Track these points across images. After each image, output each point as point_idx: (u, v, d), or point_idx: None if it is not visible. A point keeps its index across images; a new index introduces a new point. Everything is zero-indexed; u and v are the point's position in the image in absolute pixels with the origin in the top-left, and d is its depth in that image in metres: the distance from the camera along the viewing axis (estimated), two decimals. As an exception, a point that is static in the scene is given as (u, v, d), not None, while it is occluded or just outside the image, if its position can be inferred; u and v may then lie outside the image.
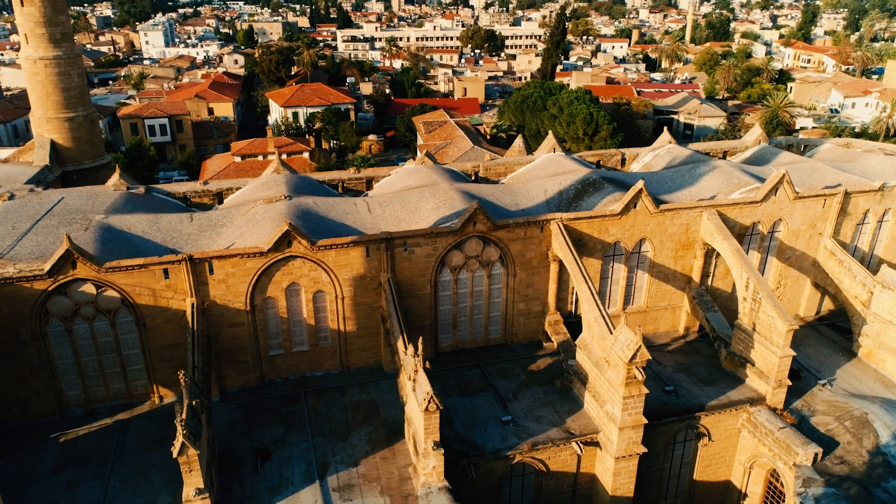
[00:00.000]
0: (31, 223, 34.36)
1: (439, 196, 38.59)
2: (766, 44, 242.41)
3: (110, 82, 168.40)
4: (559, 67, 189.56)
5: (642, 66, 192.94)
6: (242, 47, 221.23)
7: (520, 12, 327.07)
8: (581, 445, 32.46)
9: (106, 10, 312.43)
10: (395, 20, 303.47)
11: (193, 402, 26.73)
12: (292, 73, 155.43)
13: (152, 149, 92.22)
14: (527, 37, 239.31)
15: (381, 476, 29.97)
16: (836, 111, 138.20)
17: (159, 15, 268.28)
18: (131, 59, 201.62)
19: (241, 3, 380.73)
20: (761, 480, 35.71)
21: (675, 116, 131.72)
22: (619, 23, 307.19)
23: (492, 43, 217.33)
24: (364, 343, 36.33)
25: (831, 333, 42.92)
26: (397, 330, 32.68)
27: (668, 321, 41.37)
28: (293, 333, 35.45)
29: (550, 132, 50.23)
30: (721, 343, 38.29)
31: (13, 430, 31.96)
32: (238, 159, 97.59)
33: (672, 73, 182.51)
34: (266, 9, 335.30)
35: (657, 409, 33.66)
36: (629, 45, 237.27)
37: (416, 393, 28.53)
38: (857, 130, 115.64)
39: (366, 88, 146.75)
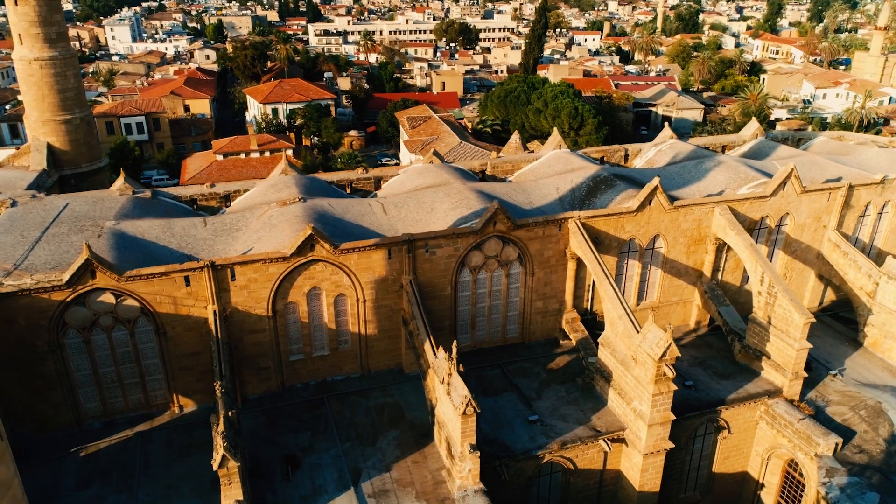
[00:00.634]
0: (39, 231, 33.29)
1: (454, 196, 38.37)
2: (735, 35, 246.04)
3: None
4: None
5: (616, 59, 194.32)
6: (212, 42, 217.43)
7: (490, 5, 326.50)
8: (608, 443, 32.67)
9: (67, 4, 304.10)
10: (366, 13, 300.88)
11: (230, 413, 26.25)
12: (267, 68, 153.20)
13: (137, 148, 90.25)
14: (500, 30, 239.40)
15: (415, 480, 29.81)
16: (809, 102, 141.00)
17: (125, 9, 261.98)
18: (98, 54, 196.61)
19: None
20: (779, 471, 36.38)
21: (654, 109, 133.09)
22: (589, 15, 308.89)
23: (466, 36, 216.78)
24: (385, 346, 36.04)
25: (835, 324, 43.81)
26: (423, 332, 32.46)
27: (679, 316, 41.81)
28: (314, 338, 35.02)
29: (556, 129, 50.31)
30: (735, 337, 38.83)
31: (30, 444, 31.02)
32: (220, 157, 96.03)
33: (647, 66, 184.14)
34: (234, 2, 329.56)
35: (680, 404, 33.91)
36: (601, 37, 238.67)
37: (452, 396, 28.39)
38: (829, 121, 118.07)
39: (343, 83, 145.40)
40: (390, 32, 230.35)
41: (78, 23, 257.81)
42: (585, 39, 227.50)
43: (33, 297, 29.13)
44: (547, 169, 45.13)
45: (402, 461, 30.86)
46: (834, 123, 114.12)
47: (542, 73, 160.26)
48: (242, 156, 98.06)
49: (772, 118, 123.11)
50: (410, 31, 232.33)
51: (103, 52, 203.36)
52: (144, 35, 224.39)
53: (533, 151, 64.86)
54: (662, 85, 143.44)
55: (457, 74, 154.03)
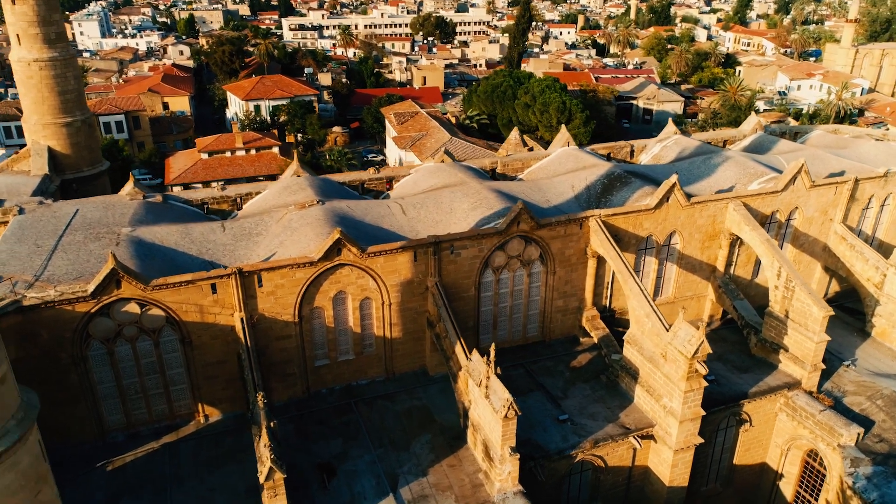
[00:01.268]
0: (53, 240, 32.37)
1: (472, 196, 38.19)
2: (706, 28, 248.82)
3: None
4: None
5: (593, 52, 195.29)
6: (184, 37, 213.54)
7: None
8: (639, 440, 32.90)
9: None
10: (338, 7, 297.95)
11: (272, 424, 25.82)
12: (245, 63, 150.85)
13: (126, 148, 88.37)
14: (475, 23, 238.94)
15: (453, 484, 29.68)
16: (784, 93, 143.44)
17: (93, 4, 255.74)
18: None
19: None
20: (798, 461, 37.01)
21: (635, 102, 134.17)
22: (562, 8, 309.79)
23: (442, 30, 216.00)
24: (409, 348, 35.79)
25: (842, 314, 44.56)
26: (453, 335, 32.31)
27: (693, 310, 42.21)
28: (338, 343, 34.63)
29: (563, 127, 50.29)
30: (751, 330, 39.33)
31: (55, 460, 30.11)
32: (205, 156, 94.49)
33: (623, 59, 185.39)
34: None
35: (705, 399, 34.10)
36: (576, 30, 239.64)
37: (491, 399, 28.29)
38: (805, 112, 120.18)
39: (324, 79, 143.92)
40: (365, 27, 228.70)
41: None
42: (561, 33, 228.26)
43: (57, 309, 28.29)
44: (557, 166, 45.17)
45: (437, 465, 30.70)
46: (810, 114, 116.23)
47: (522, 66, 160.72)
48: (228, 154, 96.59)
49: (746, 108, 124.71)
50: (386, 25, 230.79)
51: (73, 48, 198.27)
52: (113, 30, 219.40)
53: (532, 148, 64.99)
54: (642, 78, 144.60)
55: (437, 69, 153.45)
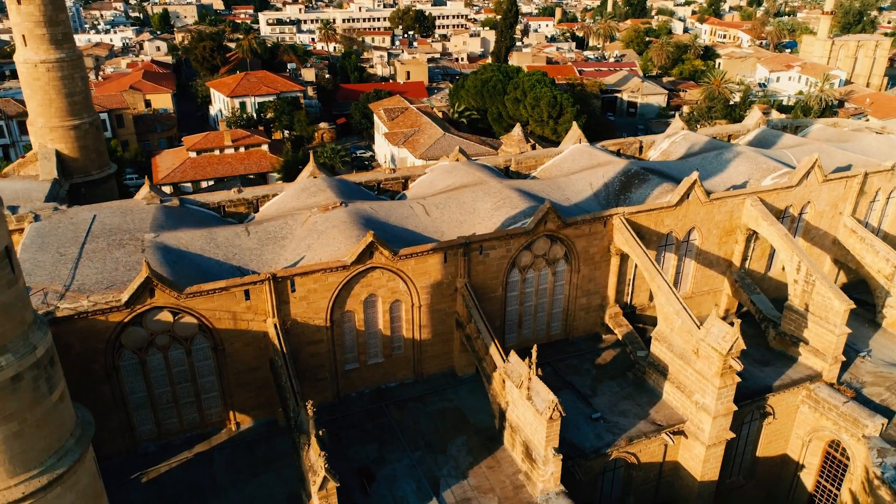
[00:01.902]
0: (76, 247, 31.61)
1: (494, 195, 38.09)
2: (682, 20, 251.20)
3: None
4: (493, 49, 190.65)
5: (573, 45, 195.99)
6: (159, 32, 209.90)
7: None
8: (671, 436, 33.21)
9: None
10: (314, 1, 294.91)
11: (320, 433, 25.55)
12: (226, 59, 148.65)
13: (119, 149, 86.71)
14: (454, 16, 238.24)
15: (495, 486, 29.68)
16: (764, 85, 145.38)
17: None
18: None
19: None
20: (819, 452, 37.69)
21: (619, 95, 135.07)
22: (538, 1, 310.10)
23: (422, 24, 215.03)
24: (438, 350, 35.67)
25: (851, 306, 45.40)
26: (487, 336, 32.26)
27: (709, 304, 42.61)
28: (368, 346, 34.38)
29: (575, 124, 50.40)
30: (769, 324, 39.86)
31: (87, 474, 29.54)
32: (193, 154, 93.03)
33: (604, 52, 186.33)
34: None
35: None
36: (554, 23, 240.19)
37: (535, 401, 28.31)
38: (798, 104, 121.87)
39: (308, 74, 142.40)
40: (343, 20, 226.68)
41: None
42: (539, 26, 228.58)
43: (90, 319, 27.62)
44: (571, 164, 45.26)
45: (476, 467, 30.67)
46: (792, 106, 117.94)
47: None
48: (216, 152, 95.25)
49: (732, 102, 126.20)
50: (364, 20, 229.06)
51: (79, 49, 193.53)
52: (85, 25, 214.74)
53: (535, 146, 65.00)
54: (625, 71, 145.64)
55: (421, 63, 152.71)
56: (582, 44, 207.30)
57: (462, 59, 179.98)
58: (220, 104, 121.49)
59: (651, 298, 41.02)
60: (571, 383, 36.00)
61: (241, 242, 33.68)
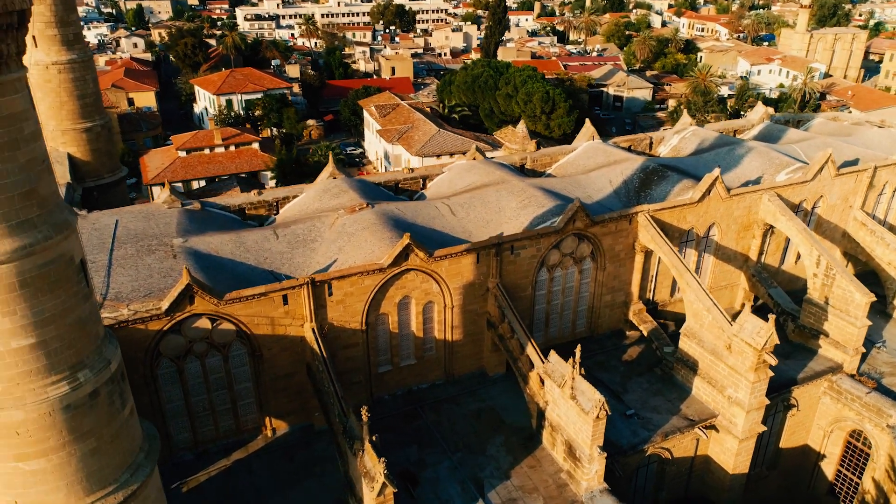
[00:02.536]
0: (104, 254, 30.91)
1: (518, 194, 38.09)
2: (659, 13, 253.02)
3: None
4: (476, 43, 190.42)
5: (554, 39, 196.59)
6: (134, 29, 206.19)
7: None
8: (704, 430, 33.61)
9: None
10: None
11: (374, 438, 25.40)
12: (207, 56, 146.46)
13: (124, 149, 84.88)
14: (434, 11, 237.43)
15: (538, 486, 29.79)
16: (746, 78, 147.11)
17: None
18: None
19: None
20: (840, 441, 38.43)
21: (605, 89, 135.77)
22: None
23: (402, 18, 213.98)
24: (468, 350, 35.65)
25: (861, 297, 46.28)
26: (523, 336, 32.35)
27: (726, 299, 43.19)
28: (401, 348, 34.25)
29: (588, 121, 50.47)
30: (787, 317, 40.46)
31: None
32: (183, 154, 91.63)
33: (587, 46, 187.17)
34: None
35: (759, 388, 35.24)
36: (533, 17, 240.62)
37: (579, 400, 28.45)
38: (769, 97, 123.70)
39: (292, 71, 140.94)
40: (322, 16, 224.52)
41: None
42: (520, 20, 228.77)
43: (130, 328, 27.11)
44: (586, 161, 45.42)
45: (517, 467, 30.75)
46: (780, 99, 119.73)
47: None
48: (206, 151, 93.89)
49: (717, 95, 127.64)
50: (343, 14, 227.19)
51: (90, 50, 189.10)
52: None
53: (540, 143, 65.08)
54: (609, 65, 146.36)
55: (406, 59, 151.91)
56: (562, 38, 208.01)
57: (445, 55, 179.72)
58: (205, 102, 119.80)
59: (672, 294, 41.53)
60: (601, 380, 36.20)
61: (271, 246, 33.27)
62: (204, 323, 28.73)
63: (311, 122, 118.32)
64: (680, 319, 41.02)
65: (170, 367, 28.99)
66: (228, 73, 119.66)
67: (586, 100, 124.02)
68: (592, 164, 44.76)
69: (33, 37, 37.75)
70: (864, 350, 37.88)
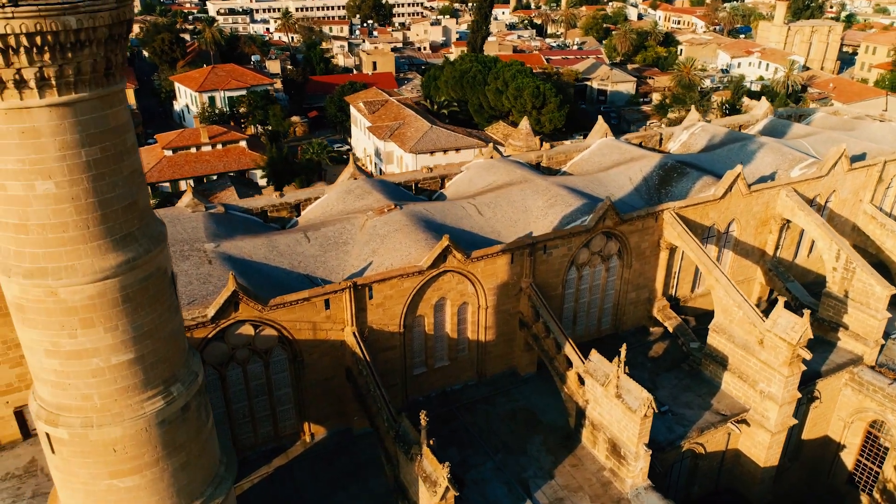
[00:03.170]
0: (136, 260, 30.21)
1: (543, 193, 38.11)
2: (634, 5, 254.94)
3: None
4: (455, 37, 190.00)
5: (533, 33, 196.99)
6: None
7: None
8: (736, 425, 34.09)
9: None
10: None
11: (431, 442, 25.27)
12: (184, 51, 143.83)
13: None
14: (410, 4, 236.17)
15: (583, 485, 29.95)
16: (726, 71, 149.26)
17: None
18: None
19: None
20: (860, 432, 39.29)
21: (589, 83, 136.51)
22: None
23: (379, 12, 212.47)
24: (500, 350, 35.64)
25: (869, 289, 47.29)
26: (560, 335, 32.43)
27: (744, 293, 43.66)
28: (436, 349, 34.12)
29: (601, 118, 50.67)
30: (805, 310, 41.10)
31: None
32: (169, 153, 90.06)
33: (565, 39, 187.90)
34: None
35: (786, 381, 35.83)
36: (510, 11, 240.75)
37: (625, 399, 28.64)
38: (755, 90, 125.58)
39: (272, 66, 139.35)
40: (297, 9, 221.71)
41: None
42: (497, 14, 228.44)
43: (174, 337, 26.52)
44: (601, 158, 45.60)
45: (560, 466, 30.87)
46: (763, 92, 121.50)
47: (463, 49, 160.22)
48: (193, 150, 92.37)
49: (703, 87, 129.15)
50: (319, 8, 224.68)
51: None
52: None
53: (543, 139, 65.18)
54: (592, 59, 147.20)
55: (387, 54, 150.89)
56: (540, 31, 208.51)
57: (425, 49, 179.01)
58: (186, 99, 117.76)
59: (692, 290, 42.00)
60: (631, 377, 36.36)
61: (303, 249, 32.85)
62: (247, 329, 28.28)
63: (295, 118, 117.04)
64: (700, 315, 41.70)
65: (212, 375, 28.43)
66: (210, 70, 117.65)
67: (572, 94, 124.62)
68: (608, 161, 44.96)
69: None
70: (884, 342, 38.68)
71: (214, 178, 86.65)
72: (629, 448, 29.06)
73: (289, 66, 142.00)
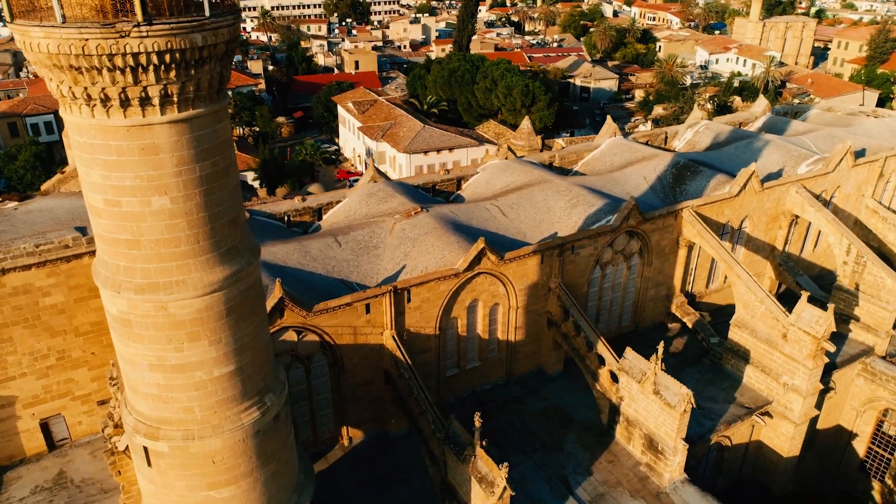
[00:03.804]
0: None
1: (564, 193, 38.62)
2: (609, 2, 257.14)
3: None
4: (435, 35, 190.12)
5: (513, 31, 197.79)
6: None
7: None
8: (761, 417, 35.00)
9: None
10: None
11: (483, 443, 25.62)
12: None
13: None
14: (386, 2, 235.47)
15: (621, 480, 30.55)
16: (705, 67, 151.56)
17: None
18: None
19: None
20: (872, 420, 40.53)
21: (572, 80, 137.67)
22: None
23: (357, 10, 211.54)
24: (529, 349, 36.11)
25: (870, 281, 48.72)
26: (592, 334, 32.98)
27: (753, 288, 44.79)
28: (467, 350, 34.45)
29: (609, 117, 51.34)
30: (816, 304, 42.26)
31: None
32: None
33: (544, 37, 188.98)
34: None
35: (804, 373, 36.85)
36: (486, 8, 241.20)
37: (663, 395, 29.28)
38: (735, 86, 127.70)
39: (254, 67, 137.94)
40: (273, 8, 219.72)
41: None
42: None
43: (221, 345, 26.49)
44: (612, 158, 46.27)
45: (597, 463, 31.44)
46: (745, 87, 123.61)
47: (446, 47, 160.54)
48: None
49: (687, 83, 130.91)
50: (296, 7, 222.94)
51: None
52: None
53: (545, 139, 65.70)
54: (574, 56, 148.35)
55: (369, 53, 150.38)
56: (519, 29, 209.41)
57: (405, 47, 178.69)
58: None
59: (707, 286, 42.88)
60: (657, 373, 37.16)
61: (336, 254, 32.93)
62: (290, 335, 28.34)
63: (281, 119, 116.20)
64: (714, 310, 42.63)
65: (255, 382, 28.44)
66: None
67: (557, 92, 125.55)
68: (619, 160, 45.65)
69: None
70: (895, 332, 39.94)
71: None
72: (667, 443, 29.72)
73: (271, 66, 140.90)
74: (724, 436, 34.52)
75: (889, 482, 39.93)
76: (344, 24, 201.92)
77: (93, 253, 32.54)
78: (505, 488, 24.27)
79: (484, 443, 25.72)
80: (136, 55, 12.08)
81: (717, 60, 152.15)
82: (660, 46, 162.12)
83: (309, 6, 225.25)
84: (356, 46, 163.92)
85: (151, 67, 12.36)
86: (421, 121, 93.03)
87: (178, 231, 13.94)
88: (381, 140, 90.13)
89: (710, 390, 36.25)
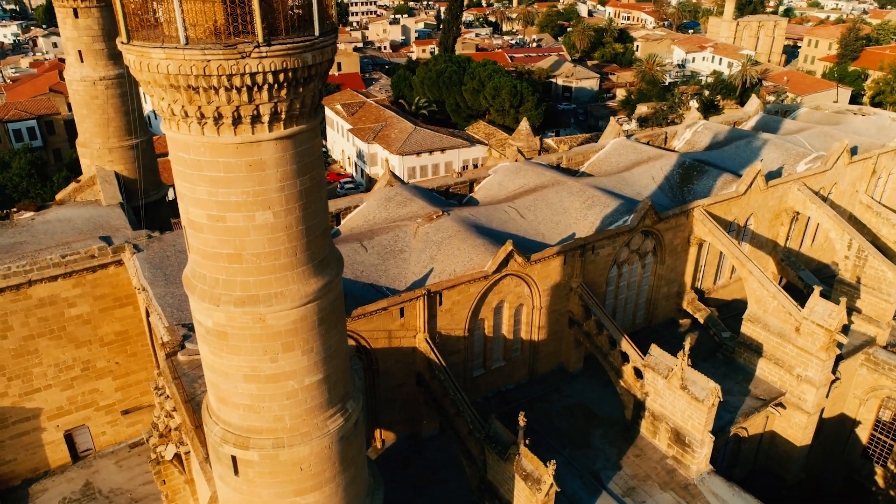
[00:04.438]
0: (202, 277, 30.22)
1: (579, 194, 39.43)
2: (583, 2, 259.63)
3: None
4: (415, 36, 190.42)
5: (491, 31, 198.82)
6: (45, 27, 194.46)
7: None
8: (776, 408, 36.16)
9: None
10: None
11: (527, 441, 26.26)
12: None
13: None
14: (363, 3, 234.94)
15: (650, 473, 31.42)
16: (683, 66, 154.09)
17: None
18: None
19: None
20: (875, 408, 42.03)
21: (554, 80, 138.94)
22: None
23: (336, 12, 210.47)
24: (551, 348, 36.84)
25: (865, 274, 50.38)
26: (615, 332, 33.82)
27: (757, 283, 46.08)
28: (493, 351, 35.07)
29: (612, 119, 52.29)
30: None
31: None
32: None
33: (524, 37, 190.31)
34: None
35: (813, 364, 38.10)
36: (465, 8, 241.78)
37: (691, 389, 30.20)
38: (712, 83, 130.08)
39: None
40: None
41: None
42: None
43: (263, 352, 26.76)
44: (618, 158, 47.21)
45: (625, 457, 32.27)
46: (723, 85, 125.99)
47: (427, 48, 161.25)
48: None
49: (667, 82, 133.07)
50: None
51: None
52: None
53: (543, 139, 66.58)
54: (554, 56, 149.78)
55: (351, 54, 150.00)
56: (497, 29, 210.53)
57: (385, 48, 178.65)
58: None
59: (715, 282, 44.03)
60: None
61: (363, 259, 33.31)
62: (327, 341, 28.63)
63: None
64: (721, 305, 43.79)
65: (293, 388, 28.73)
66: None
67: (541, 92, 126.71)
68: (625, 161, 46.61)
69: (79, 52, 35.90)
70: (894, 323, 41.47)
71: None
72: (694, 436, 30.66)
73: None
74: (741, 427, 35.62)
75: (892, 467, 41.45)
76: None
77: (118, 263, 32.62)
78: (552, 485, 24.94)
79: (528, 441, 26.34)
80: (253, 75, 12.46)
81: (693, 59, 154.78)
82: (637, 46, 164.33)
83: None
84: (337, 47, 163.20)
85: (266, 86, 12.74)
86: (411, 122, 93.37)
87: (279, 244, 14.31)
88: (373, 142, 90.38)
89: (726, 383, 37.18)
